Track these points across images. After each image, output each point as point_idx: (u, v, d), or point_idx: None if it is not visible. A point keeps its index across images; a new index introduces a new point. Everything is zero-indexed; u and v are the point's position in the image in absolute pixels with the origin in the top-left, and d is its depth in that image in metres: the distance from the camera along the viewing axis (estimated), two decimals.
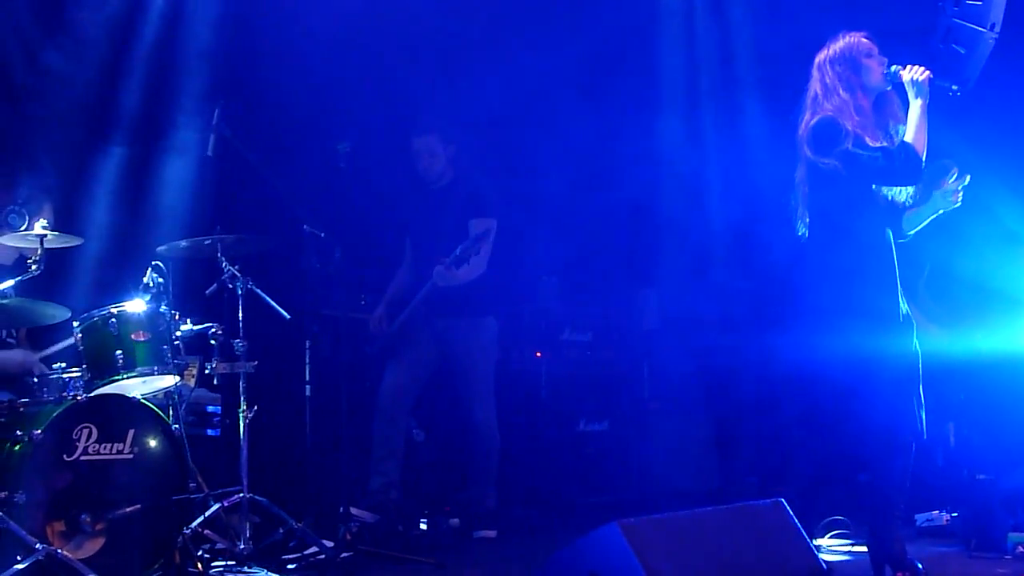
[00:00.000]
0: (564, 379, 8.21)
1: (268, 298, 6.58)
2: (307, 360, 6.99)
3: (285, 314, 6.65)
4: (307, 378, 6.99)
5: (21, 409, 5.88)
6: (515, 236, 7.74)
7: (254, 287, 6.49)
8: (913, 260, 7.16)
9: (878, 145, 5.43)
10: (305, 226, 6.86)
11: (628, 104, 8.61)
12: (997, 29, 6.78)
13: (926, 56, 7.03)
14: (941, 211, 5.67)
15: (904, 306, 5.54)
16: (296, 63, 7.69)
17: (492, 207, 7.18)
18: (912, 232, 5.71)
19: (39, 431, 5.55)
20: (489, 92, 8.15)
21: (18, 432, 5.60)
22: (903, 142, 5.41)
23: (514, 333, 8.06)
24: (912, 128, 5.41)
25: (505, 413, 7.36)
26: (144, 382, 6.17)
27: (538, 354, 8.19)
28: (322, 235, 6.87)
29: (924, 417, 5.49)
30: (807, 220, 5.59)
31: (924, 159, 5.40)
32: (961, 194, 5.60)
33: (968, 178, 5.60)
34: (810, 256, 5.62)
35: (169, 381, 6.20)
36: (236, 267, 6.45)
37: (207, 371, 6.44)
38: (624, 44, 8.50)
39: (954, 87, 5.47)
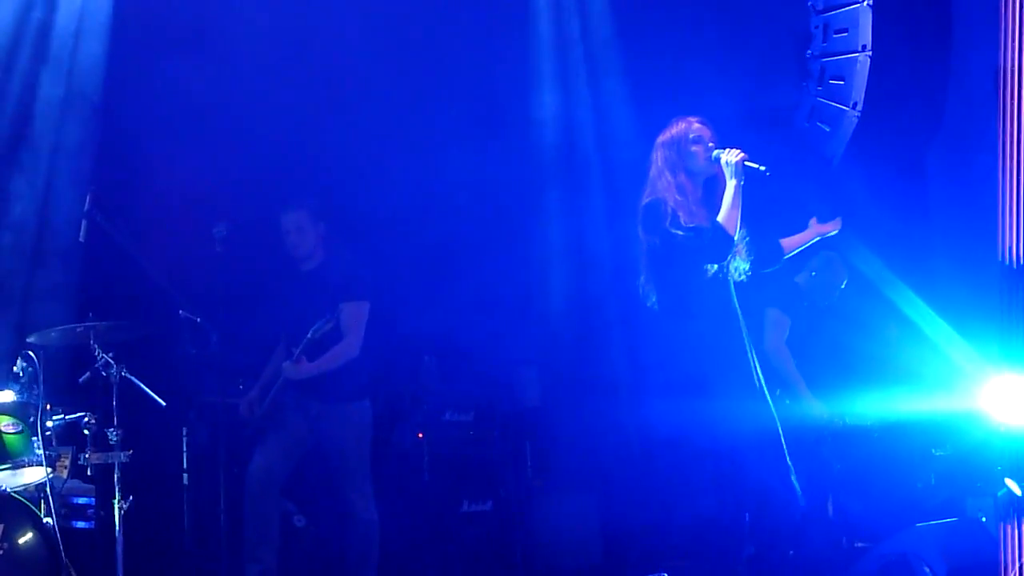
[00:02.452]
0: (446, 460, 8.16)
1: (143, 385, 6.46)
2: (184, 448, 6.86)
3: (161, 401, 6.54)
4: (184, 466, 6.85)
5: None
6: (392, 316, 7.70)
7: (128, 374, 6.38)
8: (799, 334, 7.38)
9: (693, 224, 5.67)
10: (180, 311, 6.77)
11: (508, 179, 8.67)
12: (859, 107, 7.04)
13: (792, 133, 7.28)
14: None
15: (758, 374, 5.71)
16: (170, 146, 7.62)
17: (365, 290, 7.08)
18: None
19: None
20: (359, 163, 8.17)
21: None
22: (714, 221, 5.68)
23: (395, 415, 8.00)
24: (725, 207, 5.70)
25: (387, 496, 7.28)
26: (14, 475, 6.02)
27: (420, 435, 8.14)
28: (198, 320, 6.78)
29: (796, 483, 5.64)
30: (653, 296, 5.83)
31: (735, 235, 5.68)
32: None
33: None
34: (657, 327, 5.84)
35: (40, 473, 6.05)
36: (110, 354, 6.34)
37: (80, 462, 6.29)
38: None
39: (762, 168, 5.70)
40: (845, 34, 7.09)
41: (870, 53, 6.99)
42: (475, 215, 8.48)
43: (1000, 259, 5.68)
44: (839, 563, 7.11)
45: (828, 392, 7.31)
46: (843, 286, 7.55)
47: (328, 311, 6.84)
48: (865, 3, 6.99)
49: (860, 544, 7.40)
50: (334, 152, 8.17)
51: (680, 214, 5.68)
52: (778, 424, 5.71)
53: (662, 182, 5.77)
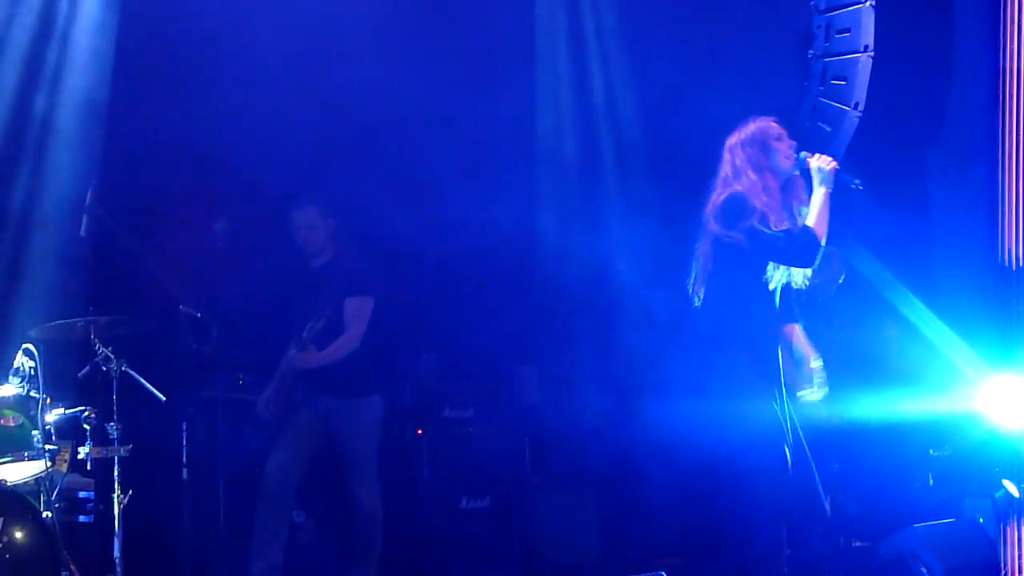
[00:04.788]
0: (445, 457, 8.17)
1: (143, 380, 6.47)
2: (184, 442, 6.87)
3: (161, 396, 6.55)
4: (184, 461, 6.86)
5: None
6: (395, 312, 7.71)
7: (128, 369, 6.39)
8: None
9: (783, 226, 5.58)
10: (181, 306, 6.78)
11: (505, 182, 8.68)
12: (861, 107, 7.04)
13: (793, 133, 7.27)
14: None
15: (781, 377, 5.67)
16: (173, 141, 7.62)
17: (370, 285, 7.12)
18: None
19: None
20: (361, 162, 8.18)
21: None
22: (805, 226, 5.58)
23: (394, 411, 8.00)
24: (814, 214, 5.59)
25: (386, 492, 7.29)
26: (14, 468, 6.01)
27: (419, 432, 8.15)
28: (198, 315, 6.79)
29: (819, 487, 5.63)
30: (702, 293, 5.71)
31: (823, 243, 5.58)
32: None
33: None
34: (700, 325, 5.73)
35: (40, 467, 6.06)
36: (110, 349, 6.35)
37: (80, 456, 6.29)
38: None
39: (857, 181, 5.64)
40: (847, 34, 7.09)
41: (872, 54, 6.99)
42: (477, 213, 8.49)
43: (999, 261, 5.69)
44: (837, 563, 7.12)
45: (827, 392, 7.30)
46: (841, 280, 7.53)
47: (334, 305, 6.87)
48: (868, 3, 6.98)
49: (858, 544, 7.41)
50: (337, 150, 8.18)
51: (769, 214, 5.55)
52: (798, 430, 5.68)
53: (744, 181, 5.61)
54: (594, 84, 8.62)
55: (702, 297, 5.71)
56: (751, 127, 5.74)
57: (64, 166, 7.52)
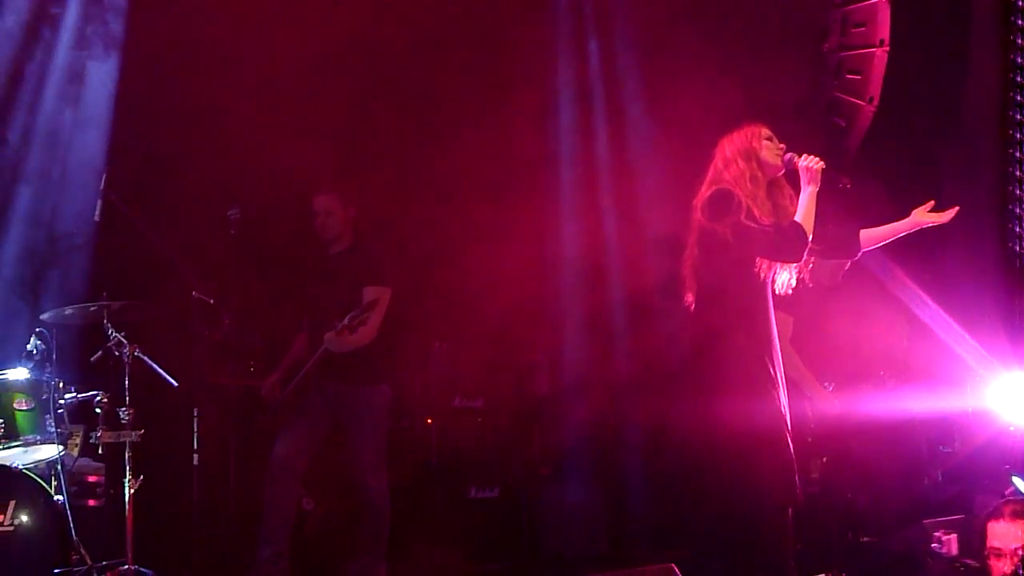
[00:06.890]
0: (455, 446, 8.19)
1: (155, 365, 6.50)
2: (195, 428, 6.90)
3: (173, 382, 6.58)
4: (195, 447, 6.89)
5: None
6: (406, 302, 7.73)
7: (141, 354, 6.41)
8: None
9: (769, 221, 5.58)
10: (194, 292, 6.80)
11: (523, 172, 8.69)
12: (875, 102, 7.04)
13: (809, 128, 7.26)
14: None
15: (777, 372, 5.66)
16: (187, 127, 7.64)
17: (388, 275, 7.14)
18: None
19: None
20: (381, 155, 8.20)
21: None
22: (793, 221, 5.58)
23: (405, 400, 8.02)
24: (803, 210, 5.60)
25: (396, 480, 7.31)
26: (26, 452, 6.06)
27: (429, 421, 8.16)
28: (211, 302, 6.81)
29: (797, 480, 5.59)
30: (694, 287, 5.71)
31: (810, 240, 5.58)
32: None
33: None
34: (693, 320, 5.74)
35: (52, 450, 6.09)
36: (123, 334, 6.37)
37: (91, 440, 6.32)
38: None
39: (846, 181, 5.65)
40: (863, 28, 7.10)
41: (887, 48, 6.99)
42: (489, 204, 8.51)
43: (1010, 258, 5.70)
44: (846, 557, 7.12)
45: (838, 389, 7.31)
46: (847, 267, 7.50)
47: (352, 293, 6.89)
48: None
49: (867, 539, 7.41)
50: (350, 141, 8.19)
51: (754, 208, 5.56)
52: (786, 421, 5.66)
53: (731, 171, 5.63)
54: (601, 81, 8.61)
55: (695, 290, 5.73)
56: (744, 126, 5.78)
57: (78, 152, 7.55)
